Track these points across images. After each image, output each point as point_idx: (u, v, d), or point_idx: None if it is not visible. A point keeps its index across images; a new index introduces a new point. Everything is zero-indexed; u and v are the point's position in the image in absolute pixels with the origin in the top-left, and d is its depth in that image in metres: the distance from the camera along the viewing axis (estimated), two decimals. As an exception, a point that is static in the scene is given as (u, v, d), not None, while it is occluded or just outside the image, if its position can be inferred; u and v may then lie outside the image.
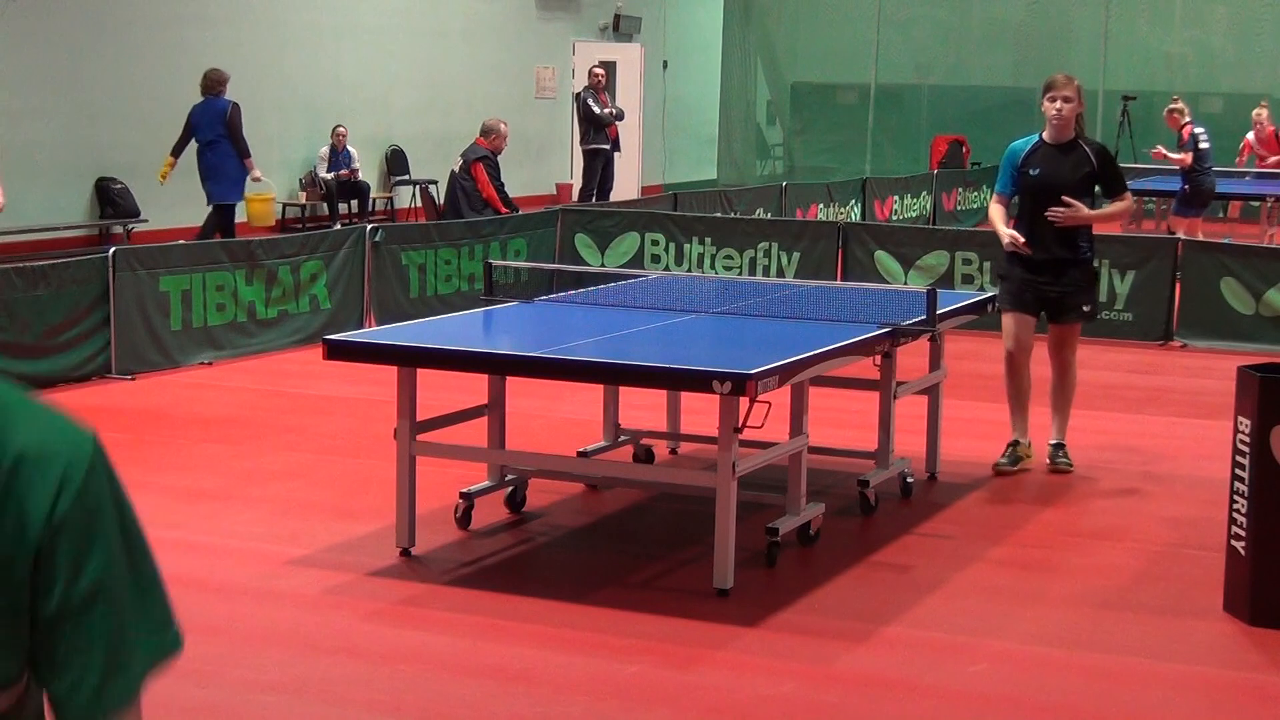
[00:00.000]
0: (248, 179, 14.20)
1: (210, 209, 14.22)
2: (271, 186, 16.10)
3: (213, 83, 14.13)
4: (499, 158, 14.14)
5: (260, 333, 10.86)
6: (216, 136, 13.99)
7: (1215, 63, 24.57)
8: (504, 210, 13.85)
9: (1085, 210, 7.60)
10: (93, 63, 15.52)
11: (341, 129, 18.69)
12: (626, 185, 21.99)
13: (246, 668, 5.02)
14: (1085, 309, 7.73)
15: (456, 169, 14.06)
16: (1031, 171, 7.63)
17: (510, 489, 6.92)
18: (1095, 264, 7.85)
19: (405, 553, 6.24)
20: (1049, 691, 4.99)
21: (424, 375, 6.19)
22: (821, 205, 18.27)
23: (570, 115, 21.87)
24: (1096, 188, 7.80)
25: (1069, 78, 7.72)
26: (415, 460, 6.24)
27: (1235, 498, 5.64)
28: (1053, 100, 7.57)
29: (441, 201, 15.04)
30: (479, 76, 21.43)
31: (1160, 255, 11.97)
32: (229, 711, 4.70)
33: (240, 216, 14.89)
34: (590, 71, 19.35)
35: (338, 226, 15.47)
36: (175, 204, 15.52)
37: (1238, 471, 5.62)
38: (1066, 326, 7.76)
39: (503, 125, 14.19)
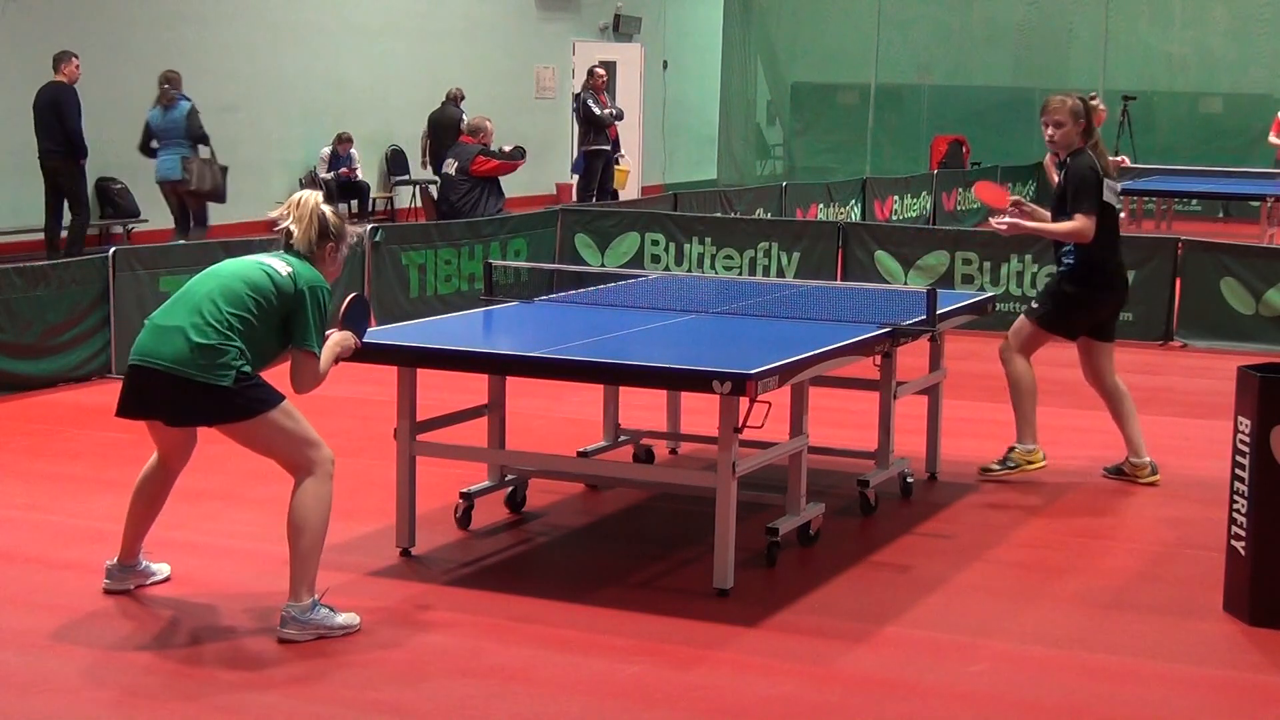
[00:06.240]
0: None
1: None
2: (629, 162, 19.43)
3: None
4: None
5: (260, 333, 10.83)
6: None
7: (1215, 63, 24.57)
8: (517, 163, 14.16)
9: (1027, 223, 7.43)
10: (92, 63, 15.49)
11: (347, 136, 18.66)
12: (626, 185, 21.95)
13: (246, 668, 5.02)
14: (1033, 305, 7.92)
15: (451, 171, 14.05)
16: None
17: (510, 489, 6.92)
18: (1081, 282, 7.41)
19: (405, 553, 6.24)
20: (1049, 691, 4.99)
21: (424, 375, 6.19)
22: (821, 205, 18.27)
23: (570, 115, 21.87)
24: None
25: (1062, 100, 7.35)
26: (415, 460, 6.24)
27: (1235, 498, 5.65)
28: (1044, 125, 7.37)
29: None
30: (479, 76, 21.42)
31: (1160, 255, 11.96)
32: (229, 711, 4.70)
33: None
34: (592, 71, 19.32)
35: (338, 226, 15.44)
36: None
37: (1238, 471, 5.63)
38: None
39: (488, 123, 14.19)
